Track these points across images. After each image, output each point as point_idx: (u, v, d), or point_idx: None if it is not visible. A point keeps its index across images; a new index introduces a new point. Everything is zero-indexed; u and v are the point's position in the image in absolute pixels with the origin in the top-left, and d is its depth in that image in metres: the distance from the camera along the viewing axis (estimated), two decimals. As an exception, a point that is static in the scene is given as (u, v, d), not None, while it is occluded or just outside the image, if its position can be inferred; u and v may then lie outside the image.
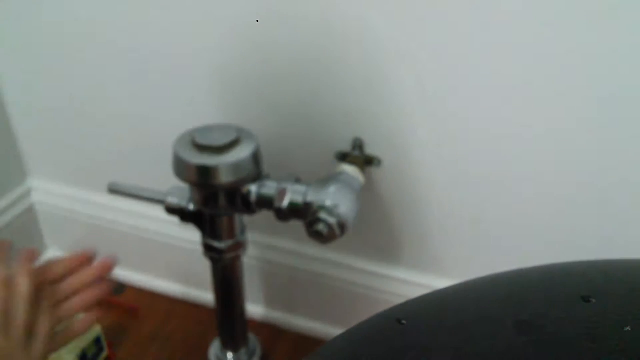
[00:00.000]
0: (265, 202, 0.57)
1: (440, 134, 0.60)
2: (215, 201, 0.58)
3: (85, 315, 0.46)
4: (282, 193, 0.57)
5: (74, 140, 0.80)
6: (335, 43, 0.58)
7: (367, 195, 0.66)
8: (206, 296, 0.84)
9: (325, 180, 0.58)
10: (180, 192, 0.62)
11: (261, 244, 0.77)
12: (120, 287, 0.89)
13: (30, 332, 0.41)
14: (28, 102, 0.80)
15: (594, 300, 0.18)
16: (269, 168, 0.64)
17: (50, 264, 0.45)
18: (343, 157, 0.64)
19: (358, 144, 0.63)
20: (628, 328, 0.16)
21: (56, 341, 0.44)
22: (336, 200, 0.55)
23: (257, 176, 0.58)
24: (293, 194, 0.57)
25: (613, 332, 0.16)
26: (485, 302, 0.20)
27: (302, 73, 0.61)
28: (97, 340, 0.75)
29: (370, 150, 0.64)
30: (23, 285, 0.42)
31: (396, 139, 0.62)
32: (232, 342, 0.73)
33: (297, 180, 0.58)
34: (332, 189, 0.56)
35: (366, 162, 0.63)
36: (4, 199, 0.85)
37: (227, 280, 0.66)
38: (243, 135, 0.58)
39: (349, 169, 0.61)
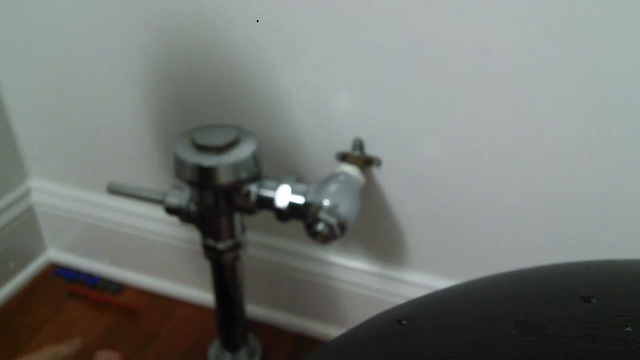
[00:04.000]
0: (265, 202, 0.57)
1: (441, 135, 0.60)
2: (215, 201, 0.58)
3: None
4: (282, 193, 0.57)
5: (74, 140, 0.80)
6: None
7: (367, 195, 0.66)
8: (206, 296, 0.84)
9: (325, 180, 0.58)
10: (180, 192, 0.62)
11: (261, 244, 0.77)
12: (120, 287, 0.89)
13: None
14: (27, 102, 0.80)
15: (594, 300, 0.18)
16: (268, 168, 0.64)
17: None
18: (343, 157, 0.64)
19: (358, 144, 0.63)
20: (629, 328, 0.16)
21: None
22: (336, 201, 0.55)
23: (257, 176, 0.58)
24: (293, 194, 0.57)
25: (613, 332, 0.16)
26: (486, 303, 0.20)
27: (302, 72, 0.61)
28: None
29: (370, 150, 0.64)
30: None
31: (396, 139, 0.62)
32: (232, 342, 0.73)
33: (297, 180, 0.58)
34: (332, 189, 0.56)
35: (366, 162, 0.63)
36: (4, 199, 0.85)
37: (227, 281, 0.66)
38: (243, 135, 0.58)
39: (349, 169, 0.61)
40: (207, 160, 0.55)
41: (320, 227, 0.54)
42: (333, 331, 0.80)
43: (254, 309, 0.82)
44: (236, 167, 0.55)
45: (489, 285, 0.21)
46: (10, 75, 0.78)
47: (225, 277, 0.66)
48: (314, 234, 0.55)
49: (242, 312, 0.70)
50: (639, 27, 0.48)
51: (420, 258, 0.70)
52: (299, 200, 0.56)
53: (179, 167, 0.56)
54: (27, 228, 0.90)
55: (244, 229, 0.63)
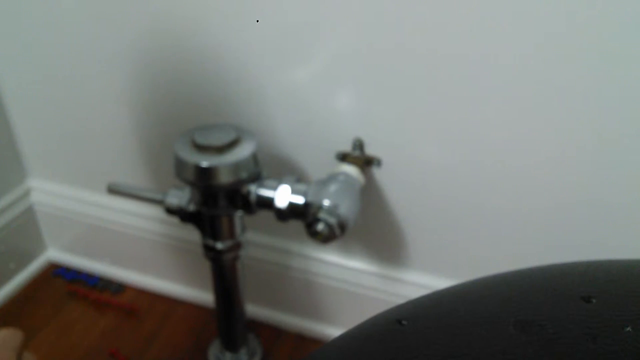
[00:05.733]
0: (265, 203, 0.57)
1: (441, 135, 0.60)
2: (215, 201, 0.58)
3: None
4: (281, 193, 0.57)
5: (73, 140, 0.80)
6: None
7: (367, 195, 0.66)
8: (206, 296, 0.84)
9: (325, 180, 0.58)
10: (180, 193, 0.62)
11: (261, 244, 0.77)
12: (120, 287, 0.89)
13: None
14: (28, 102, 0.80)
15: (594, 300, 0.18)
16: (269, 168, 0.64)
17: None
18: (343, 157, 0.64)
19: (358, 144, 0.63)
20: (628, 328, 0.16)
21: None
22: (336, 201, 0.55)
23: (257, 176, 0.58)
24: (293, 194, 0.57)
25: (613, 332, 0.16)
26: (486, 303, 0.20)
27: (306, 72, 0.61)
28: None
29: (370, 150, 0.64)
30: None
31: (396, 139, 0.62)
32: (232, 342, 0.73)
33: (297, 180, 0.58)
34: (332, 189, 0.56)
35: (366, 162, 0.63)
36: (3, 199, 0.85)
37: (227, 281, 0.66)
38: (243, 135, 0.58)
39: (349, 169, 0.61)
40: (207, 161, 0.55)
41: (320, 227, 0.54)
42: (333, 331, 0.80)
43: (254, 309, 0.82)
44: (236, 167, 0.55)
45: (489, 285, 0.21)
46: (10, 76, 0.78)
47: (225, 277, 0.66)
48: (314, 234, 0.55)
49: (242, 312, 0.70)
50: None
51: (420, 258, 0.70)
52: (299, 200, 0.56)
53: (179, 167, 0.56)
54: (27, 228, 0.90)
55: (244, 229, 0.63)
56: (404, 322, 0.20)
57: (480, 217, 0.64)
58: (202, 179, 0.55)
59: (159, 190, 0.64)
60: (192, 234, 0.78)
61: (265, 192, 0.57)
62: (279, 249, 0.77)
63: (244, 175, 0.56)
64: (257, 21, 0.59)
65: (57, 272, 0.92)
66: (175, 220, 0.63)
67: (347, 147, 0.64)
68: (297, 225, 0.60)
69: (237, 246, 0.63)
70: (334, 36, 0.58)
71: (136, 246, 0.86)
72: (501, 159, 0.59)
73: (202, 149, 0.56)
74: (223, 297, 0.68)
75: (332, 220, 0.54)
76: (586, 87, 0.52)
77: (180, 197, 0.61)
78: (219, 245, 0.62)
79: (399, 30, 0.55)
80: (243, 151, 0.56)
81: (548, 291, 0.19)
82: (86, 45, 0.70)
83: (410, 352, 0.18)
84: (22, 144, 0.84)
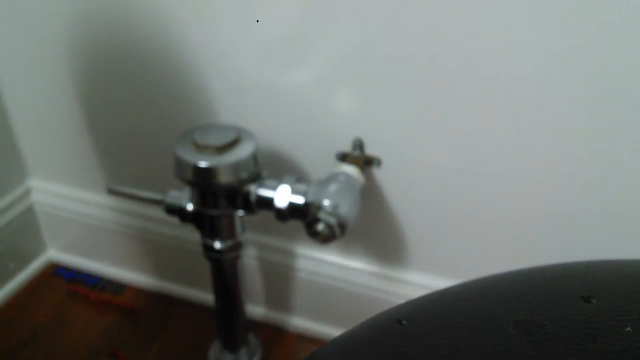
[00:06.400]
0: (265, 203, 0.57)
1: (441, 135, 0.60)
2: (215, 201, 0.58)
3: None
4: (281, 193, 0.57)
5: (74, 140, 0.80)
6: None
7: (367, 195, 0.66)
8: (206, 296, 0.84)
9: (325, 180, 0.58)
10: (180, 193, 0.62)
11: (261, 244, 0.77)
12: (120, 287, 0.89)
13: None
14: (28, 102, 0.80)
15: (594, 300, 0.18)
16: (268, 168, 0.64)
17: None
18: (343, 157, 0.64)
19: (358, 144, 0.63)
20: (628, 328, 0.16)
21: None
22: (336, 201, 0.55)
23: (257, 176, 0.58)
24: (293, 194, 0.57)
25: (613, 332, 0.16)
26: (486, 303, 0.20)
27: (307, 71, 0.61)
28: None
29: (370, 150, 0.64)
30: None
31: (396, 139, 0.62)
32: (232, 342, 0.73)
33: (297, 180, 0.58)
34: (332, 189, 0.56)
35: (366, 162, 0.63)
36: (4, 199, 0.85)
37: (227, 281, 0.66)
38: (242, 135, 0.58)
39: (349, 169, 0.61)
40: (207, 161, 0.55)
41: (320, 227, 0.54)
42: (333, 331, 0.80)
43: (254, 309, 0.82)
44: (236, 167, 0.55)
45: (489, 285, 0.21)
46: (11, 76, 0.78)
47: (226, 277, 0.66)
48: (314, 234, 0.55)
49: (242, 312, 0.70)
50: None
51: (420, 258, 0.70)
52: (299, 200, 0.56)
53: (179, 167, 0.56)
54: (27, 228, 0.90)
55: (244, 229, 0.63)
56: (404, 322, 0.20)
57: (480, 217, 0.64)
58: (202, 179, 0.55)
59: (159, 190, 0.64)
60: (192, 234, 0.78)
61: (265, 192, 0.57)
62: (279, 249, 0.77)
63: (244, 175, 0.56)
64: (257, 21, 0.59)
65: (57, 272, 0.92)
66: (175, 220, 0.63)
67: (347, 147, 0.64)
68: (297, 225, 0.60)
69: (237, 246, 0.63)
70: (334, 36, 0.58)
71: (136, 246, 0.86)
72: (501, 159, 0.59)
73: (201, 149, 0.56)
74: (223, 297, 0.68)
75: (332, 220, 0.54)
76: (584, 95, 0.52)
77: (180, 197, 0.61)
78: (219, 245, 0.62)
79: (399, 30, 0.55)
80: (243, 151, 0.56)
81: (548, 291, 0.19)
82: (81, 45, 0.70)
83: (410, 353, 0.18)
84: (22, 144, 0.84)
